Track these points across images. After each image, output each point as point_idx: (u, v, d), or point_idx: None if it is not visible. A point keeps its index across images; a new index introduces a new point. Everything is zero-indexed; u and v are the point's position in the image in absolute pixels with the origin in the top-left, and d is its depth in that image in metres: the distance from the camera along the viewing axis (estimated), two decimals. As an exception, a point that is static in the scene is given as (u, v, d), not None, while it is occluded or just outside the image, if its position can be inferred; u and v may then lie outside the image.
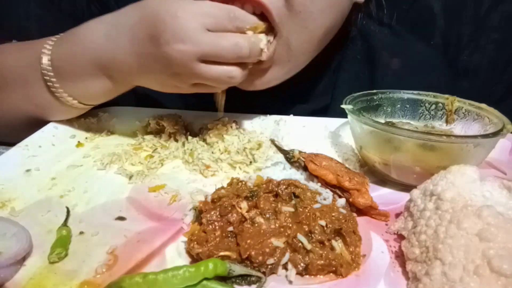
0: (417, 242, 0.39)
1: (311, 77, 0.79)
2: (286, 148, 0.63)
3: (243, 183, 0.48)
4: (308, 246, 0.39)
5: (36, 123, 0.65)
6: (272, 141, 0.66)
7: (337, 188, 0.50)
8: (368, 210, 0.49)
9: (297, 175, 0.56)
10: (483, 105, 0.59)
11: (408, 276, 0.39)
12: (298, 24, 0.60)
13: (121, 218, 0.47)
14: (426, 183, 0.45)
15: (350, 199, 0.48)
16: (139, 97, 0.84)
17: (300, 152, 0.59)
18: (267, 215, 0.42)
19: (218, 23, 0.53)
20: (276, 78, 0.67)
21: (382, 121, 0.63)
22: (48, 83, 0.60)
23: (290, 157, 0.59)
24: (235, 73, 0.55)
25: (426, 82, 0.72)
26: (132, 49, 0.55)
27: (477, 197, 0.40)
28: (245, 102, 0.73)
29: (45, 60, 0.59)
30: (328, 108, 0.82)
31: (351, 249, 0.41)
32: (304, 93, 0.82)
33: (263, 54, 0.58)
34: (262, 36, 0.57)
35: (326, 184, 0.51)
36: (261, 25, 0.57)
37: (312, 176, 0.54)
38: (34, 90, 0.61)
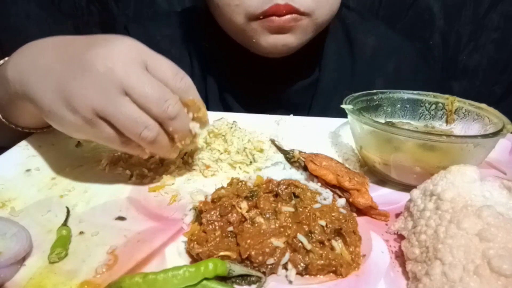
0: (417, 242, 0.39)
1: (302, 53, 0.84)
2: (286, 148, 0.63)
3: (243, 183, 0.48)
4: (308, 246, 0.39)
5: None
6: (272, 141, 0.66)
7: (337, 188, 0.50)
8: (368, 210, 0.49)
9: (297, 175, 0.56)
10: (483, 105, 0.59)
11: (408, 276, 0.39)
12: (328, 9, 0.73)
13: (121, 218, 0.47)
14: (426, 183, 0.45)
15: (350, 199, 0.48)
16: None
17: (300, 152, 0.59)
18: (267, 215, 0.42)
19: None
20: (295, 44, 0.75)
21: (382, 121, 0.63)
22: None
23: (290, 157, 0.59)
24: (152, 128, 0.46)
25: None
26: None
27: (477, 197, 0.40)
28: (240, 87, 0.78)
29: None
30: (318, 81, 0.89)
31: (351, 249, 0.41)
32: (295, 70, 0.88)
33: (191, 139, 0.52)
34: (194, 124, 0.51)
35: (326, 184, 0.51)
36: (203, 108, 0.52)
37: (312, 176, 0.54)
38: None
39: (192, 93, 0.51)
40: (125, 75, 0.45)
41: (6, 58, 0.58)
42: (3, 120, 0.59)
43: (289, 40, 0.74)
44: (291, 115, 0.76)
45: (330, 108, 0.76)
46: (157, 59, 0.49)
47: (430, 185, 0.44)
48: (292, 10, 0.69)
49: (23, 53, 0.53)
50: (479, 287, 0.33)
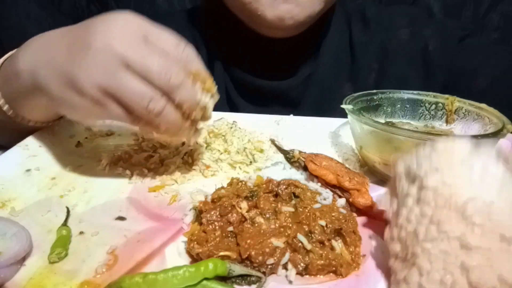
0: (398, 237, 0.37)
1: (300, 44, 0.84)
2: (286, 148, 0.63)
3: (243, 183, 0.48)
4: (308, 246, 0.39)
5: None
6: (272, 141, 0.66)
7: (337, 188, 0.50)
8: (368, 210, 0.48)
9: (297, 175, 0.56)
10: (483, 105, 0.59)
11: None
12: None
13: (121, 218, 0.47)
14: (411, 159, 0.40)
15: (350, 199, 0.48)
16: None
17: (300, 152, 0.59)
18: (267, 215, 0.42)
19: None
20: (303, 17, 0.73)
21: (382, 121, 0.63)
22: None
23: (290, 157, 0.59)
24: (158, 100, 0.45)
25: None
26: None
27: (465, 186, 0.35)
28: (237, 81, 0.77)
29: None
30: (311, 75, 0.87)
31: (351, 249, 0.41)
32: (292, 62, 0.87)
33: (202, 113, 0.50)
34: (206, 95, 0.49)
35: (326, 184, 0.51)
36: (209, 79, 0.49)
37: (312, 176, 0.54)
38: None
39: (196, 63, 0.49)
40: (124, 49, 0.44)
41: (13, 51, 0.59)
42: (11, 116, 0.59)
43: (296, 11, 0.72)
44: (291, 115, 0.76)
45: (329, 101, 0.75)
46: (157, 31, 0.48)
47: (414, 163, 0.39)
48: None
49: (32, 45, 0.54)
50: None
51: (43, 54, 0.50)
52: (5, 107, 0.58)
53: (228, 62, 0.89)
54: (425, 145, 0.39)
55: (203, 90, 0.49)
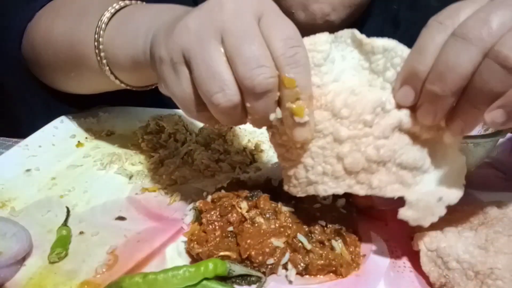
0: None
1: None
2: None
3: (243, 183, 0.48)
4: (308, 246, 0.39)
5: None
6: None
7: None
8: (367, 210, 0.48)
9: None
10: (483, 105, 0.59)
11: (407, 276, 0.39)
12: None
13: (121, 218, 0.47)
14: None
15: (350, 199, 0.48)
16: (139, 97, 0.84)
17: None
18: (267, 215, 0.42)
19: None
20: (335, 18, 0.71)
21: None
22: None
23: None
24: (228, 95, 0.36)
25: None
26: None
27: (329, 82, 0.38)
28: None
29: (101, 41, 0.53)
30: None
31: (351, 249, 0.41)
32: None
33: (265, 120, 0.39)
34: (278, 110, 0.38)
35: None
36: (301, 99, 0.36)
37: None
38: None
39: (299, 72, 0.36)
40: (228, 18, 0.37)
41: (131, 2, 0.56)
42: (116, 80, 0.56)
43: (327, 10, 0.70)
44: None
45: None
46: (275, 15, 0.39)
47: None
48: None
49: (161, 13, 0.49)
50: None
51: (160, 19, 0.46)
52: (104, 61, 0.54)
53: None
54: None
55: (286, 109, 0.37)
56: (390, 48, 0.38)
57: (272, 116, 0.38)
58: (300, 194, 0.40)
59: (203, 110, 0.39)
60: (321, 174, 0.38)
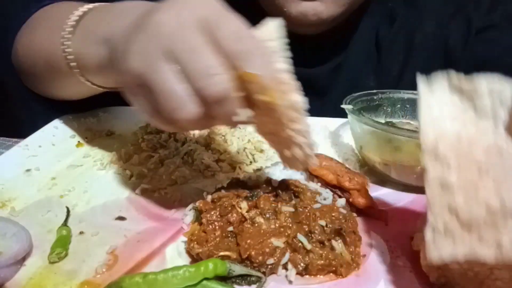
0: None
1: (332, 35, 0.83)
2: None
3: (243, 183, 0.48)
4: (308, 246, 0.39)
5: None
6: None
7: (337, 188, 0.50)
8: (368, 210, 0.48)
9: (297, 175, 0.56)
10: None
11: (407, 276, 0.39)
12: None
13: (121, 218, 0.47)
14: None
15: (350, 199, 0.48)
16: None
17: None
18: (267, 215, 0.42)
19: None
20: (327, 15, 0.73)
21: (382, 121, 0.63)
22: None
23: None
24: (187, 110, 0.37)
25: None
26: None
27: (428, 125, 0.35)
28: None
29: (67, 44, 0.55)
30: (341, 65, 0.86)
31: (351, 249, 0.41)
32: (323, 51, 0.87)
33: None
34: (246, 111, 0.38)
35: (326, 184, 0.51)
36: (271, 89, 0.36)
37: (312, 176, 0.54)
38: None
39: (256, 63, 0.36)
40: (173, 35, 0.37)
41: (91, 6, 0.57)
42: (87, 82, 0.57)
43: (320, 9, 0.72)
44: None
45: (355, 92, 0.75)
46: (218, 15, 0.38)
47: None
48: None
49: (120, 14, 0.49)
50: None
51: (118, 23, 0.46)
52: (73, 64, 0.56)
53: None
54: None
55: (260, 104, 0.37)
56: (497, 89, 0.36)
57: (241, 117, 0.37)
58: (301, 168, 0.42)
59: (169, 123, 0.40)
60: (431, 231, 0.32)
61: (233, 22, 0.38)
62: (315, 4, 0.72)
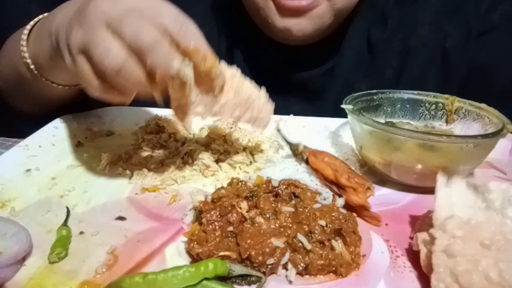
0: None
1: (322, 39, 0.83)
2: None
3: (243, 183, 0.48)
4: (308, 246, 0.39)
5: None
6: (278, 130, 0.65)
7: (334, 184, 0.50)
8: (360, 211, 0.48)
9: (298, 175, 0.56)
10: (483, 105, 0.59)
11: (407, 276, 0.39)
12: None
13: (121, 218, 0.47)
14: None
15: (344, 196, 0.48)
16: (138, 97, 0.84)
17: (305, 147, 0.58)
18: (267, 215, 0.42)
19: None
20: (308, 31, 0.73)
21: (382, 121, 0.63)
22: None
23: (294, 149, 0.59)
24: (116, 54, 0.42)
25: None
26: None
27: (443, 208, 0.40)
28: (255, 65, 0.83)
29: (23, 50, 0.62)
30: (333, 68, 0.86)
31: (351, 249, 0.41)
32: (313, 55, 0.86)
33: (179, 85, 0.44)
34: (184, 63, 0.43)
35: (324, 179, 0.51)
36: (210, 57, 0.45)
37: (313, 170, 0.54)
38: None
39: (195, 40, 0.44)
40: (110, 10, 0.44)
41: (46, 14, 0.62)
42: (37, 77, 0.62)
43: (303, 24, 0.72)
44: (291, 115, 0.76)
45: (351, 92, 0.75)
46: (158, 4, 0.45)
47: None
48: None
49: (63, 7, 0.56)
50: None
51: (66, 14, 0.51)
52: (32, 66, 0.61)
53: (248, 51, 0.87)
54: None
55: (201, 73, 0.45)
56: (506, 188, 0.41)
57: (176, 63, 0.42)
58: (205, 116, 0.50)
59: (108, 88, 0.46)
60: None
61: (166, 6, 0.45)
62: (300, 20, 0.71)
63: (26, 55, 0.61)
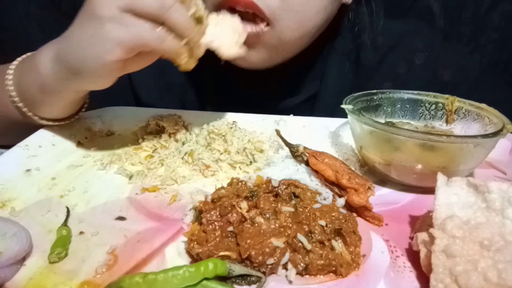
0: None
1: (301, 66, 0.82)
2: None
3: (243, 183, 0.48)
4: (308, 246, 0.39)
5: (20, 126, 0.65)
6: (278, 132, 0.65)
7: (335, 186, 0.50)
8: (362, 212, 0.48)
9: (298, 175, 0.56)
10: (483, 105, 0.59)
11: (407, 276, 0.39)
12: (295, 22, 0.65)
13: (121, 218, 0.47)
14: None
15: (345, 197, 0.48)
16: (138, 98, 0.84)
17: (305, 148, 0.58)
18: (267, 215, 0.42)
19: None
20: (259, 61, 0.71)
21: (382, 121, 0.63)
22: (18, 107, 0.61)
23: (294, 151, 0.59)
24: (148, 32, 0.49)
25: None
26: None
27: (443, 208, 0.41)
28: (238, 94, 0.79)
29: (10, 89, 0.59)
30: (317, 95, 0.85)
31: (351, 249, 0.41)
32: (293, 82, 0.85)
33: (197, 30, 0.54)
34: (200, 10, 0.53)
35: (325, 180, 0.51)
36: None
37: (314, 171, 0.54)
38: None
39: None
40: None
41: (25, 56, 0.61)
42: (26, 114, 0.60)
43: (250, 56, 0.67)
44: (291, 115, 0.76)
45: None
46: None
47: None
48: (250, 4, 0.61)
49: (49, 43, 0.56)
50: None
51: (60, 40, 0.54)
52: (20, 104, 0.59)
53: (227, 82, 0.85)
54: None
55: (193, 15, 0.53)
56: (505, 189, 0.41)
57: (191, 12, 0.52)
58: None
59: (163, 34, 0.50)
60: None
61: None
62: (241, 50, 0.65)
63: (13, 94, 0.59)
